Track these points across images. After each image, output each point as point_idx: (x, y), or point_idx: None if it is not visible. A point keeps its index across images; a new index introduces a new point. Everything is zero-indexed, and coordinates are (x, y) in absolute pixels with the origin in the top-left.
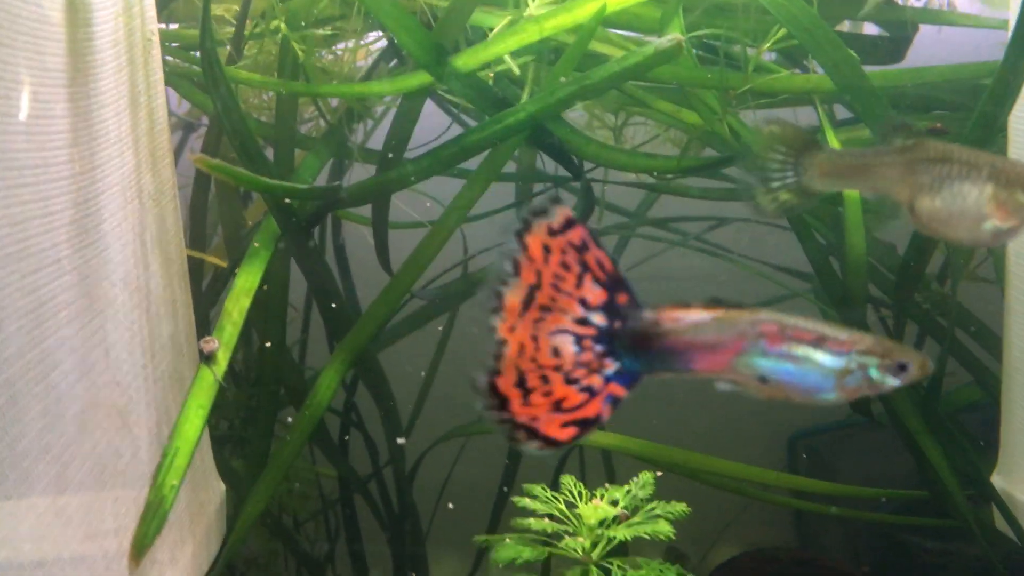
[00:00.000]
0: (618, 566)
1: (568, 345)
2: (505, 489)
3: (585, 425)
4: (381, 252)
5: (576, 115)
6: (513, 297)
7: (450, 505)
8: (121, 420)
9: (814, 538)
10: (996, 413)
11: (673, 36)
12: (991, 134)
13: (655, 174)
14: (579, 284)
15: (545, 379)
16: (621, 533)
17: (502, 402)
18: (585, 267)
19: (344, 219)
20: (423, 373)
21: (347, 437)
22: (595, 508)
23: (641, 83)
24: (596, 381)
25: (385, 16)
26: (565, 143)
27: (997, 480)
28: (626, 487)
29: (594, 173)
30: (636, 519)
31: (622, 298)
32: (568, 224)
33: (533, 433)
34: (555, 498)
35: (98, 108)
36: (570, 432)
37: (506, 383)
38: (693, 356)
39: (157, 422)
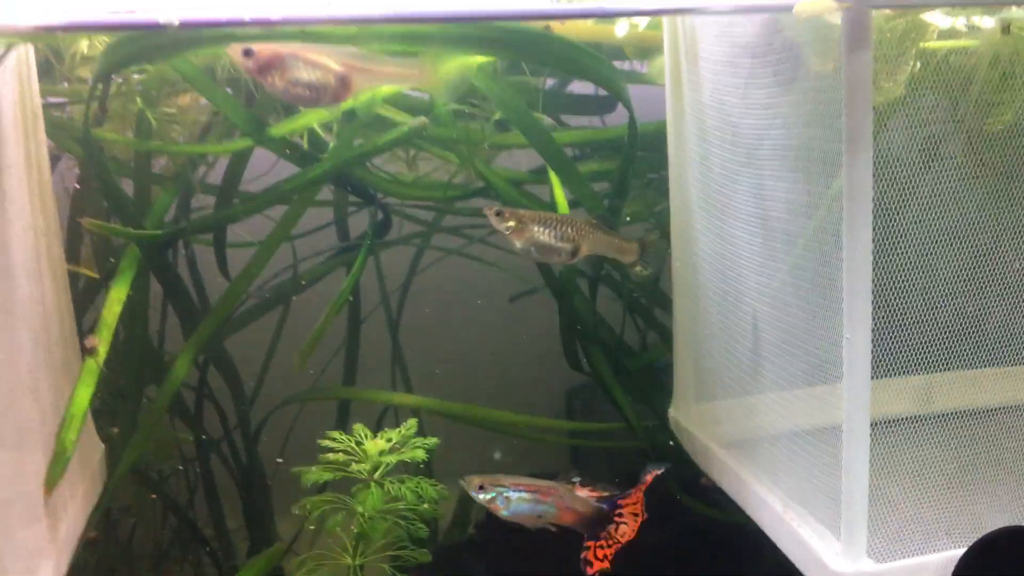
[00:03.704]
0: (388, 481)
1: None
2: None
3: None
4: (220, 265)
5: None
6: None
7: (279, 460)
8: (33, 397)
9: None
10: None
11: (420, 120)
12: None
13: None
14: None
15: None
16: (389, 458)
17: None
18: None
19: (193, 242)
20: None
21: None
22: (375, 443)
23: None
24: None
25: (217, 101)
26: (361, 179)
27: (671, 412)
28: (398, 429)
29: None
30: (403, 450)
31: None
32: None
33: None
34: (348, 439)
35: (7, 175)
36: None
37: None
38: None
39: (55, 399)
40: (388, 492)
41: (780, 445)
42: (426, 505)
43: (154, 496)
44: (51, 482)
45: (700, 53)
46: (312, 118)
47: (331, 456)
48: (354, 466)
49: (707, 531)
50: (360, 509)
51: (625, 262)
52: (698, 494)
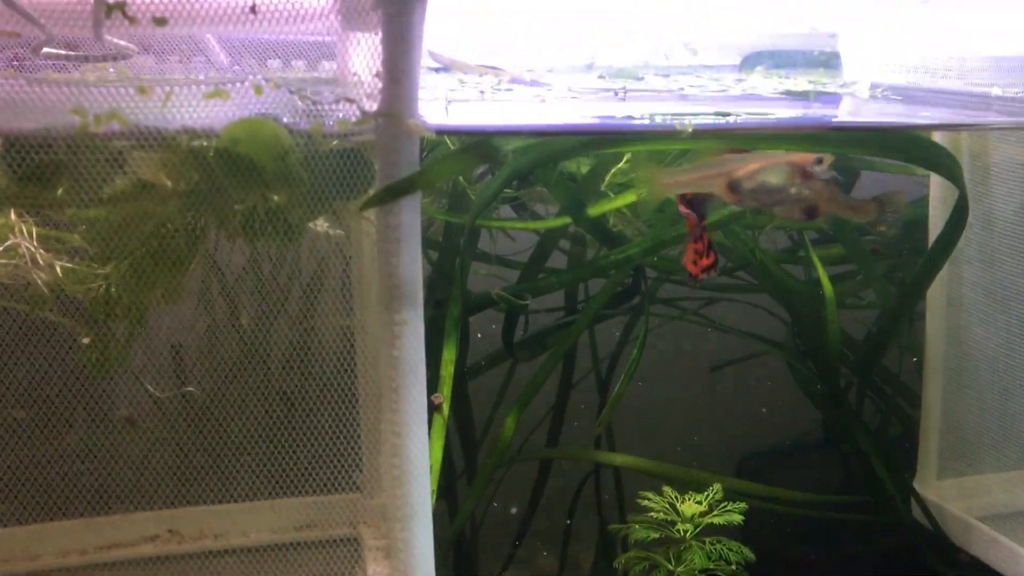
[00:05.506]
0: (708, 542)
1: None
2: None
3: None
4: (507, 334)
5: None
6: None
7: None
8: None
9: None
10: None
11: None
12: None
13: None
14: None
15: None
16: (713, 519)
17: None
18: None
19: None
20: None
21: None
22: (690, 505)
23: None
24: None
25: (551, 184)
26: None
27: (916, 486)
28: (705, 493)
29: None
30: (715, 512)
31: None
32: None
33: None
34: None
35: None
36: None
37: None
38: None
39: None
40: (710, 552)
41: None
42: (733, 566)
43: None
44: None
45: (989, 149)
46: (622, 200)
47: (651, 515)
48: (678, 526)
49: None
50: (680, 568)
51: (863, 222)
52: (957, 568)
